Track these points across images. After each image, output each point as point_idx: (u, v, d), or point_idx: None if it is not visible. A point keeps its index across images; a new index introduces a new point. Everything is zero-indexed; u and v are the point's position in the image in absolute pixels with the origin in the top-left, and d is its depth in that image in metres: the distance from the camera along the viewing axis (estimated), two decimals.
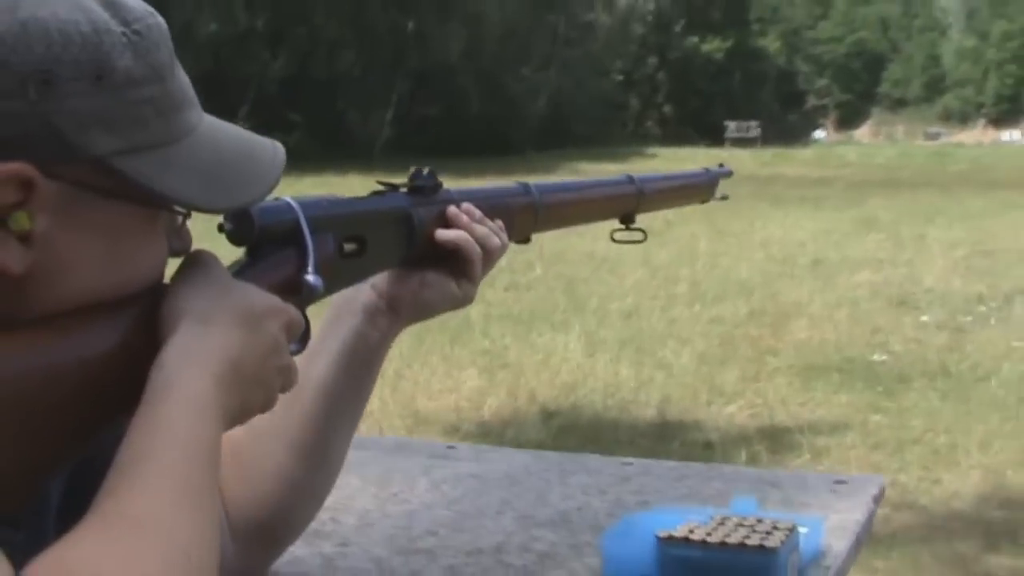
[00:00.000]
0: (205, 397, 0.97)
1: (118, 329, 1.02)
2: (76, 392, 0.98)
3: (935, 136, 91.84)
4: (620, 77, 71.86)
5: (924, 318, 10.14)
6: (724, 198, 2.16)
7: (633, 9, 69.43)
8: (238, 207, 1.11)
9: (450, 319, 7.34)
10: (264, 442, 1.40)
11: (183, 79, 1.07)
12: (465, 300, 1.45)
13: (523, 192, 1.59)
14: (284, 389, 1.10)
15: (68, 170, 0.96)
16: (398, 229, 1.37)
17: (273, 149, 1.14)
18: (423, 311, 1.45)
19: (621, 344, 9.19)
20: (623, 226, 1.83)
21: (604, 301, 11.17)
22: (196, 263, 1.09)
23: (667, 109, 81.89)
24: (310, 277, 1.19)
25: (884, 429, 6.93)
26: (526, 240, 1.59)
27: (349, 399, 1.43)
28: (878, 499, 1.96)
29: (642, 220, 1.83)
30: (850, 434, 6.77)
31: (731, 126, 66.35)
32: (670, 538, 1.49)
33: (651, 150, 50.59)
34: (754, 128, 65.77)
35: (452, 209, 1.43)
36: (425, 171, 1.42)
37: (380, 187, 1.39)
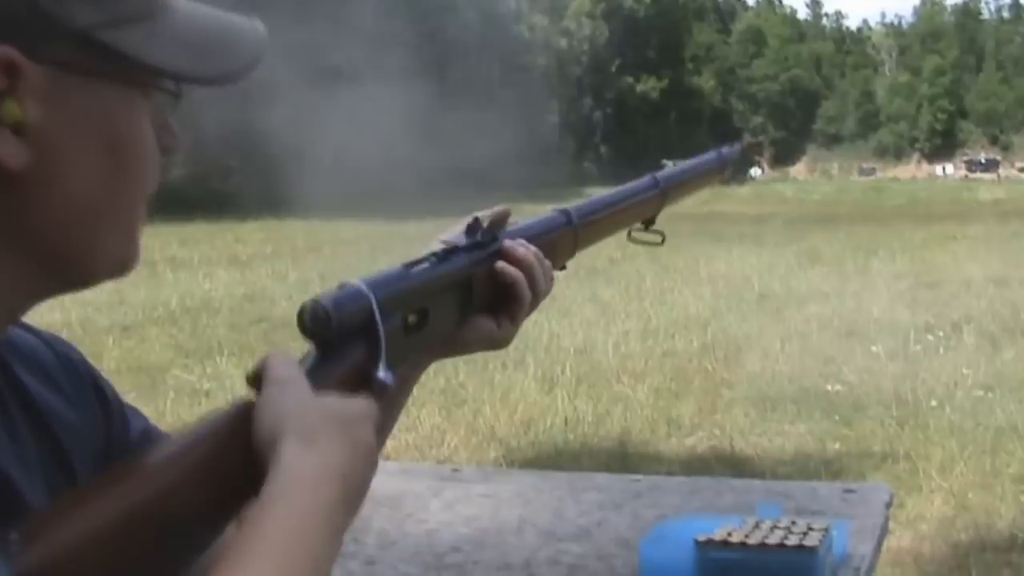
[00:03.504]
0: (323, 526, 0.92)
1: (210, 463, 0.95)
2: (166, 540, 0.92)
3: (870, 171, 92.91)
4: (556, 118, 72.19)
5: (875, 348, 10.21)
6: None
7: (568, 50, 69.86)
8: (226, 75, 1.03)
9: None
10: None
11: None
12: (504, 342, 1.36)
13: (566, 222, 1.51)
14: None
15: (52, 51, 0.90)
16: (457, 294, 1.29)
17: (251, 22, 1.08)
18: (457, 349, 1.36)
19: (577, 380, 9.21)
20: (643, 227, 1.77)
21: (555, 338, 11.16)
22: (276, 375, 1.01)
23: (604, 149, 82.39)
24: (382, 374, 1.11)
25: (844, 456, 6.99)
26: (563, 267, 1.50)
27: None
28: (889, 505, 1.99)
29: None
30: (811, 462, 6.81)
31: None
32: (709, 542, 1.50)
33: (590, 190, 50.50)
34: None
35: (509, 244, 1.35)
36: (485, 223, 1.33)
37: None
